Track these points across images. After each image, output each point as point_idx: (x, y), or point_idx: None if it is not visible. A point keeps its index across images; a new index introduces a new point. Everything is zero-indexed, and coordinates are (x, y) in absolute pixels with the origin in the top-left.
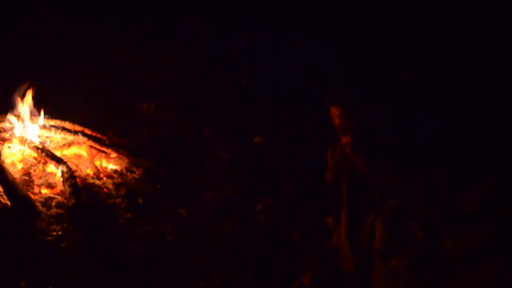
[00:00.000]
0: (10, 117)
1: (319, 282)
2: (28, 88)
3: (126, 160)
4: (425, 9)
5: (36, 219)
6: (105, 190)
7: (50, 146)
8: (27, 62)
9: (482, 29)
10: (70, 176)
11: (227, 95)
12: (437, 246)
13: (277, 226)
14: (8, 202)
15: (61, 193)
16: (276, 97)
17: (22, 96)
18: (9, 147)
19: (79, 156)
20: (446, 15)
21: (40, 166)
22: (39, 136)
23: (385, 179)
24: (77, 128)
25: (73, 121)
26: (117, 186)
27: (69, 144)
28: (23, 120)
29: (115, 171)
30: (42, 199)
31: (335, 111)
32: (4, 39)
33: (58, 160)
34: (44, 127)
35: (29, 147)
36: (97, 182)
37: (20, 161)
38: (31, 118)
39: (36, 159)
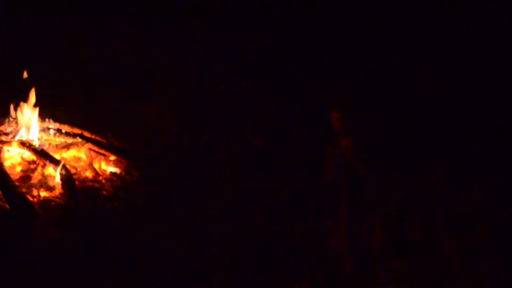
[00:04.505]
0: (10, 120)
1: (319, 284)
2: (28, 91)
3: (125, 163)
4: (424, 12)
5: (35, 222)
6: (104, 192)
7: (49, 149)
8: (26, 64)
9: (481, 29)
10: (69, 179)
11: (227, 97)
12: (435, 246)
13: (277, 228)
14: (7, 205)
15: (60, 196)
16: (275, 99)
17: (22, 99)
18: (8, 150)
19: (78, 159)
20: (445, 16)
21: (39, 169)
22: (38, 139)
23: (384, 180)
24: (76, 131)
25: (72, 124)
26: (116, 188)
27: (68, 147)
28: (22, 123)
29: (114, 173)
30: (41, 202)
31: (335, 114)
32: (3, 41)
33: (57, 163)
34: (43, 130)
35: (28, 150)
36: (96, 184)
37: (19, 164)
38: (30, 121)
39: (35, 162)
